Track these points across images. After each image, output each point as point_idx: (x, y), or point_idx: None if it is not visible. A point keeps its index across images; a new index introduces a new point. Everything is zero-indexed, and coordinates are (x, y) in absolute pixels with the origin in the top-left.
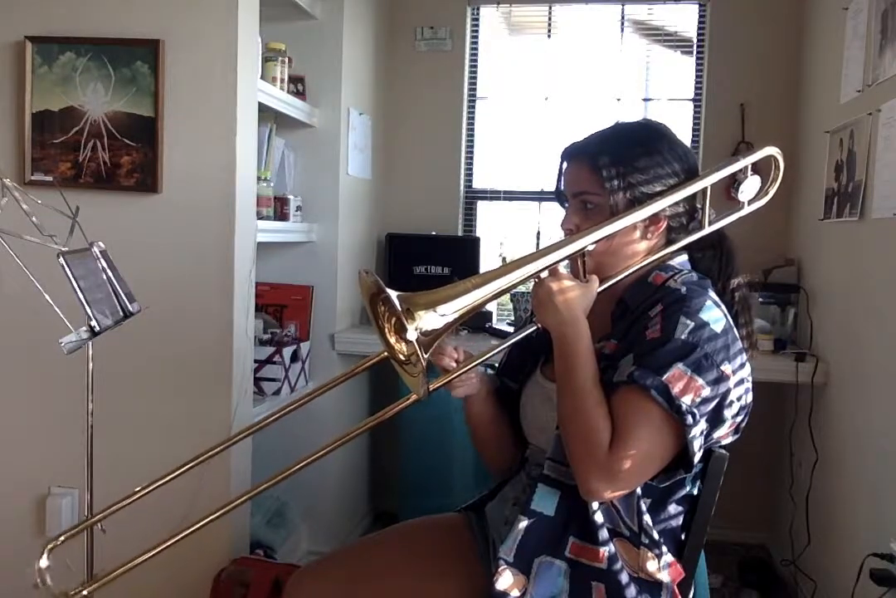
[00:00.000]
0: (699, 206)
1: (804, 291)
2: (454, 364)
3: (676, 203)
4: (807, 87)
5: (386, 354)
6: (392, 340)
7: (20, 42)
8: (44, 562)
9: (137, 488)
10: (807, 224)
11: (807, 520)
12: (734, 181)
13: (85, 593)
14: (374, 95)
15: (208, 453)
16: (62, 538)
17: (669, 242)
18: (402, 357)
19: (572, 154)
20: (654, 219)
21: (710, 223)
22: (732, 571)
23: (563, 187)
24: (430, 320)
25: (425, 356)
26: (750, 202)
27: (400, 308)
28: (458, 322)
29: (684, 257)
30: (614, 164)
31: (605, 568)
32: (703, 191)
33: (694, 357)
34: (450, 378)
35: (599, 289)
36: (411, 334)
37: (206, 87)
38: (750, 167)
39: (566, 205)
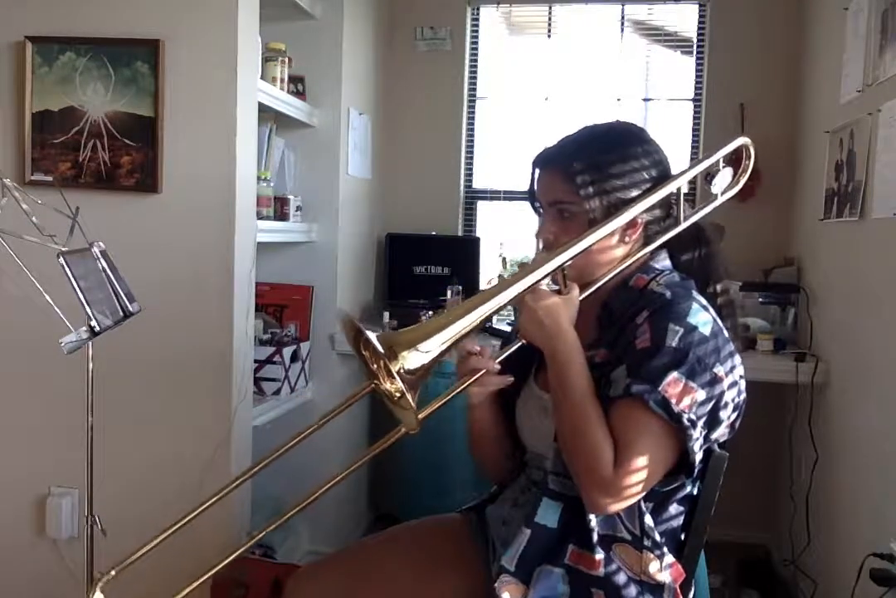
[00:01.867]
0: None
1: (804, 291)
2: (476, 348)
3: (653, 207)
4: (807, 87)
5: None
6: (387, 385)
7: (20, 42)
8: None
9: (157, 535)
10: (807, 224)
11: (807, 520)
12: (707, 174)
13: None
14: (374, 95)
15: (231, 484)
16: (112, 572)
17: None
18: (397, 396)
19: (545, 162)
20: (630, 223)
21: (686, 218)
22: (732, 571)
23: (536, 194)
24: (413, 358)
25: (413, 400)
26: (722, 193)
27: (382, 351)
28: (444, 354)
29: (667, 262)
30: (588, 171)
31: (602, 576)
32: (678, 189)
33: (687, 363)
34: (461, 388)
35: (581, 297)
36: (397, 376)
37: (206, 87)
38: (722, 160)
39: (541, 211)
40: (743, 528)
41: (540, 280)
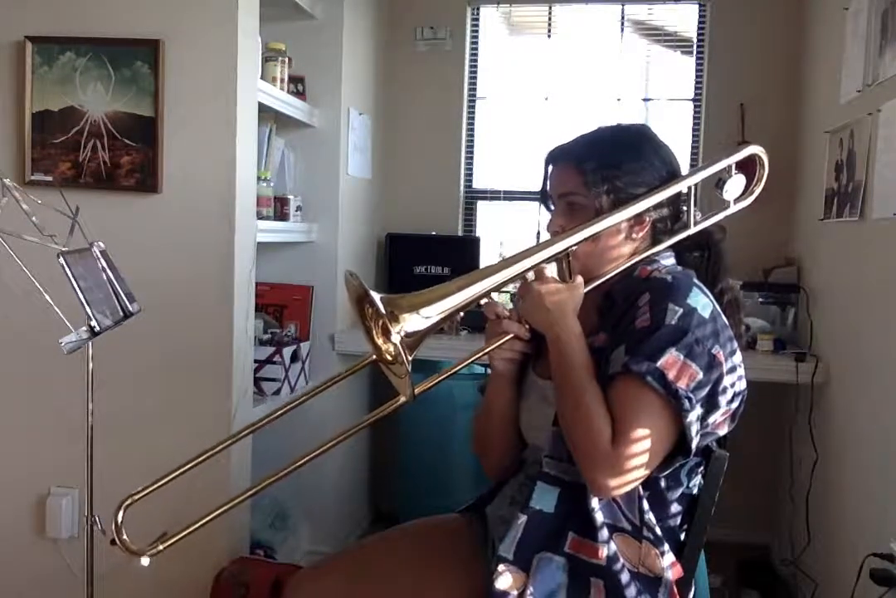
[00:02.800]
0: (684, 208)
1: (804, 291)
2: (505, 312)
3: (661, 206)
4: (807, 87)
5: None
6: (379, 341)
7: (20, 42)
8: (120, 517)
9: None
10: (807, 224)
11: (807, 520)
12: (719, 180)
13: (161, 548)
14: (374, 95)
15: (214, 448)
16: (138, 495)
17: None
18: (388, 357)
19: (558, 156)
20: (638, 220)
21: (696, 223)
22: (732, 571)
23: (548, 189)
24: (413, 322)
25: (409, 358)
26: (736, 201)
27: (384, 311)
28: (442, 323)
29: (672, 260)
30: (600, 167)
31: (604, 565)
32: (688, 190)
33: (686, 342)
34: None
35: (585, 289)
36: (395, 337)
37: (206, 87)
38: (734, 166)
39: (551, 207)
40: (743, 528)
41: (543, 261)
